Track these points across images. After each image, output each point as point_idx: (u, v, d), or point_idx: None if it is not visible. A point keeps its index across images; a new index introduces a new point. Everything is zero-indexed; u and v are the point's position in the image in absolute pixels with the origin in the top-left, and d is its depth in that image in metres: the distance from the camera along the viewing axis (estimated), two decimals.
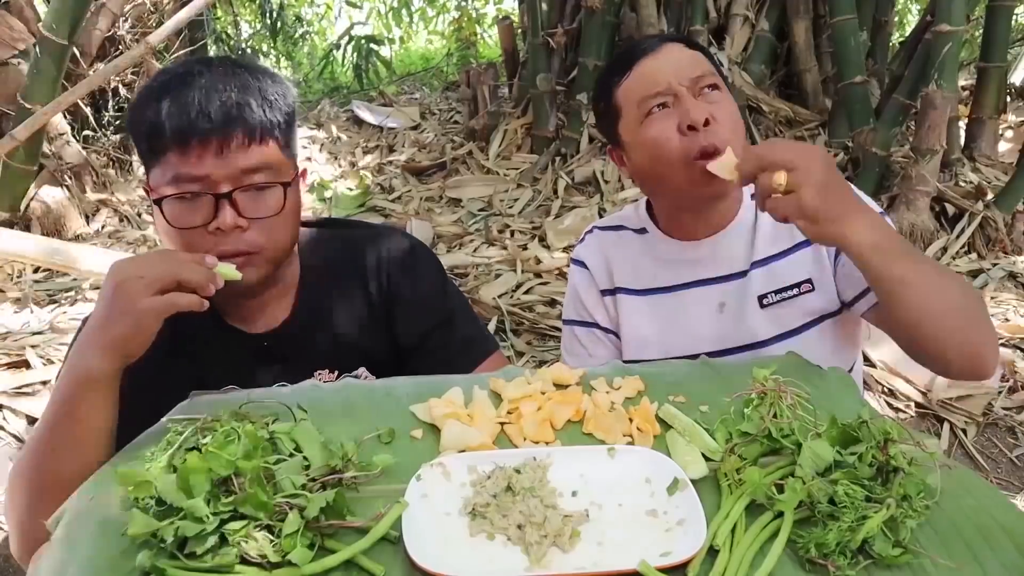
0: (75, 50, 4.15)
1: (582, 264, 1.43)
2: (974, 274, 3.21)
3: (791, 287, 1.28)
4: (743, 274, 1.30)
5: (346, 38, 7.65)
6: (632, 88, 1.24)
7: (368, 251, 1.26)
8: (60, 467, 0.96)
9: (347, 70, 7.79)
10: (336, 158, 5.38)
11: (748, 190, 1.32)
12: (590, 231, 1.46)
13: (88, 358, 0.94)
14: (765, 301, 1.29)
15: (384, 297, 1.25)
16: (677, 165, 1.19)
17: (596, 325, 1.41)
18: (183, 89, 1.04)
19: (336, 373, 1.22)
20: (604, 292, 1.41)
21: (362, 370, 1.23)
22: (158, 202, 1.05)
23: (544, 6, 4.72)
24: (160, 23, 4.47)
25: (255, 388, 1.01)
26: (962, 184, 3.61)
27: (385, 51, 7.94)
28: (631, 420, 0.94)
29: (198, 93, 1.03)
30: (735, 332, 1.30)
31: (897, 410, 2.50)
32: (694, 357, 1.12)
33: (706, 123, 1.17)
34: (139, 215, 4.54)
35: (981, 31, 4.04)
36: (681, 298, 1.34)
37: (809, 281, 1.27)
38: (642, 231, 1.39)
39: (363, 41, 7.49)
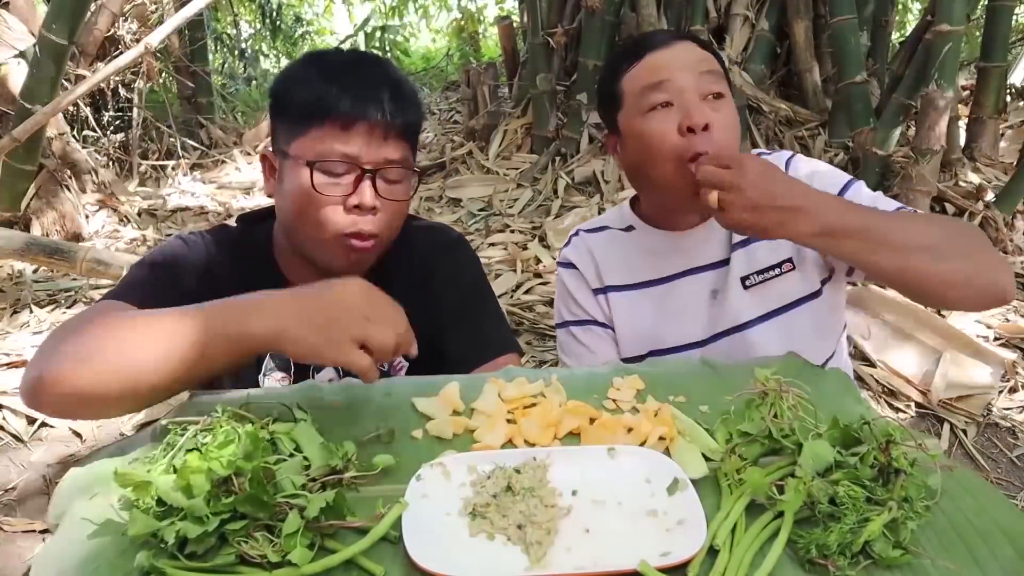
0: (75, 50, 4.16)
1: (570, 265, 1.43)
2: None
3: (772, 267, 1.29)
4: (726, 261, 1.32)
5: (360, 34, 7.68)
6: (638, 77, 1.25)
7: (416, 238, 1.30)
8: (134, 366, 0.90)
9: None
10: None
11: None
12: (575, 234, 1.47)
13: (257, 322, 0.89)
14: (748, 282, 1.30)
15: (424, 282, 1.29)
16: (670, 163, 1.20)
17: (593, 321, 1.41)
18: (353, 73, 1.13)
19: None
20: (595, 291, 1.41)
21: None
22: (310, 164, 1.10)
23: (544, 6, 4.72)
24: (160, 23, 4.47)
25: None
26: (962, 184, 3.61)
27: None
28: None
29: (367, 81, 1.13)
30: (723, 316, 1.31)
31: (897, 410, 2.50)
32: (690, 347, 1.12)
33: (705, 127, 1.17)
34: (139, 215, 4.54)
35: (981, 31, 4.04)
36: (673, 288, 1.35)
37: (790, 260, 1.29)
38: (629, 228, 1.40)
39: (380, 31, 7.53)
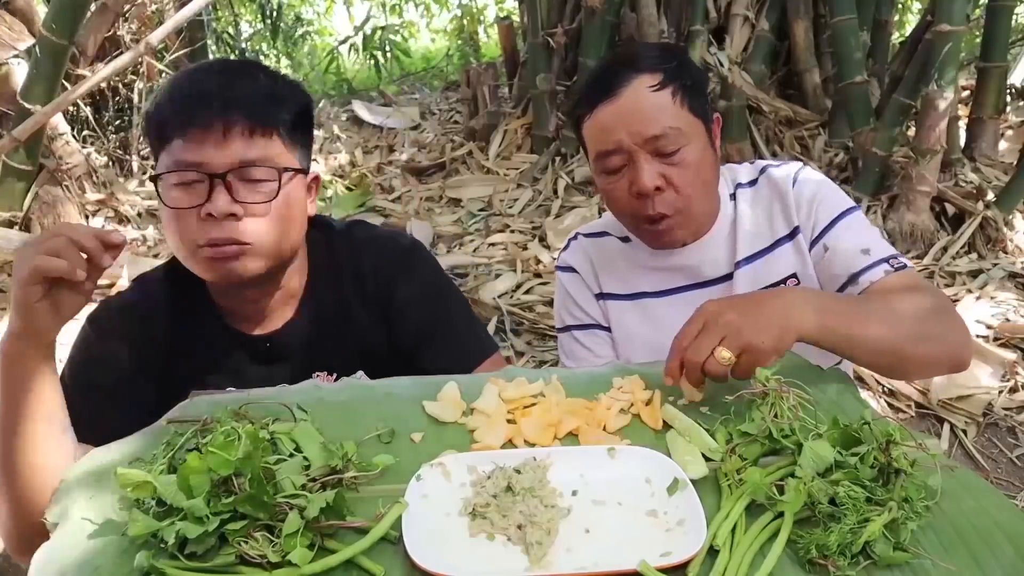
0: (75, 50, 4.15)
1: (570, 269, 1.43)
2: (974, 274, 3.21)
3: (776, 284, 1.29)
4: (728, 276, 1.31)
5: (360, 34, 7.68)
6: (590, 135, 1.24)
7: (366, 253, 1.26)
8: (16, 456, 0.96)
9: (355, 66, 7.81)
10: (336, 158, 5.37)
11: (727, 189, 1.34)
12: (574, 237, 1.46)
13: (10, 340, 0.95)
14: None
15: (382, 299, 1.25)
16: (628, 222, 1.25)
17: (596, 325, 1.41)
18: (190, 81, 1.08)
19: (335, 376, 1.22)
20: (596, 296, 1.41)
21: (360, 373, 1.23)
22: (155, 180, 1.07)
23: (544, 6, 4.72)
24: (160, 23, 4.47)
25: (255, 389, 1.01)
26: (962, 184, 3.60)
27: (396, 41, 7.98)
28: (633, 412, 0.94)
29: (204, 84, 1.07)
30: None
31: (897, 410, 2.50)
32: None
33: (658, 189, 1.17)
34: (139, 215, 4.54)
35: (981, 31, 4.03)
36: (669, 303, 1.34)
37: (794, 275, 1.29)
38: (625, 239, 1.39)
39: (381, 31, 7.53)
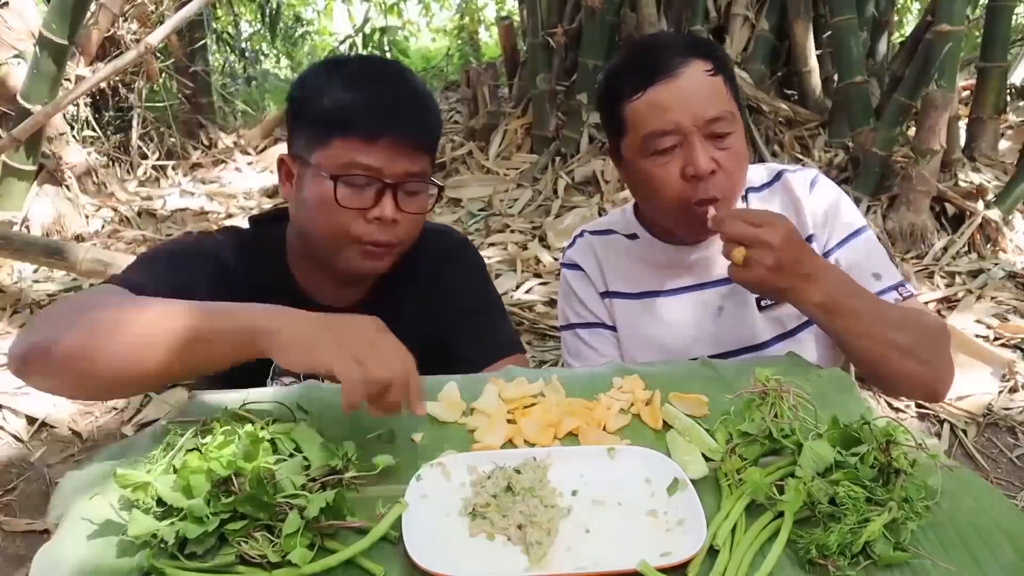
0: (75, 50, 4.15)
1: (576, 267, 1.42)
2: (974, 274, 3.21)
3: None
4: None
5: (360, 35, 7.68)
6: (642, 115, 1.19)
7: (420, 242, 1.28)
8: (131, 357, 0.89)
9: None
10: None
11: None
12: (580, 235, 1.45)
13: (264, 320, 0.88)
14: (764, 303, 1.29)
15: (428, 283, 1.30)
16: (674, 206, 1.21)
17: (601, 324, 1.40)
18: (377, 85, 1.14)
19: None
20: (601, 295, 1.40)
21: None
22: (335, 178, 1.10)
23: (544, 6, 4.72)
24: (160, 23, 4.47)
25: None
26: (962, 184, 3.60)
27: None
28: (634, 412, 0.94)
29: (396, 93, 1.14)
30: (734, 334, 1.30)
31: (897, 410, 2.50)
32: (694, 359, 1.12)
33: (712, 173, 1.16)
34: (139, 215, 4.54)
35: (981, 31, 4.03)
36: (677, 301, 1.34)
37: None
38: (633, 236, 1.38)
39: (381, 31, 7.53)
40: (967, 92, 4.36)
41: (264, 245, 1.26)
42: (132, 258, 3.42)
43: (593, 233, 1.43)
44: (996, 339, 2.77)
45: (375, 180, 1.12)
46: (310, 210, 1.14)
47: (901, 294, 1.24)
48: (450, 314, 1.29)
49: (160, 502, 0.74)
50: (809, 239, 1.28)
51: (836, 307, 1.08)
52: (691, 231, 1.28)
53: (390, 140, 1.11)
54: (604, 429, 0.93)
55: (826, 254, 1.27)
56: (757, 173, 1.35)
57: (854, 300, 1.10)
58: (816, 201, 1.29)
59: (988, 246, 3.35)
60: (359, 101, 1.11)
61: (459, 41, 8.30)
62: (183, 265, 1.17)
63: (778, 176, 1.33)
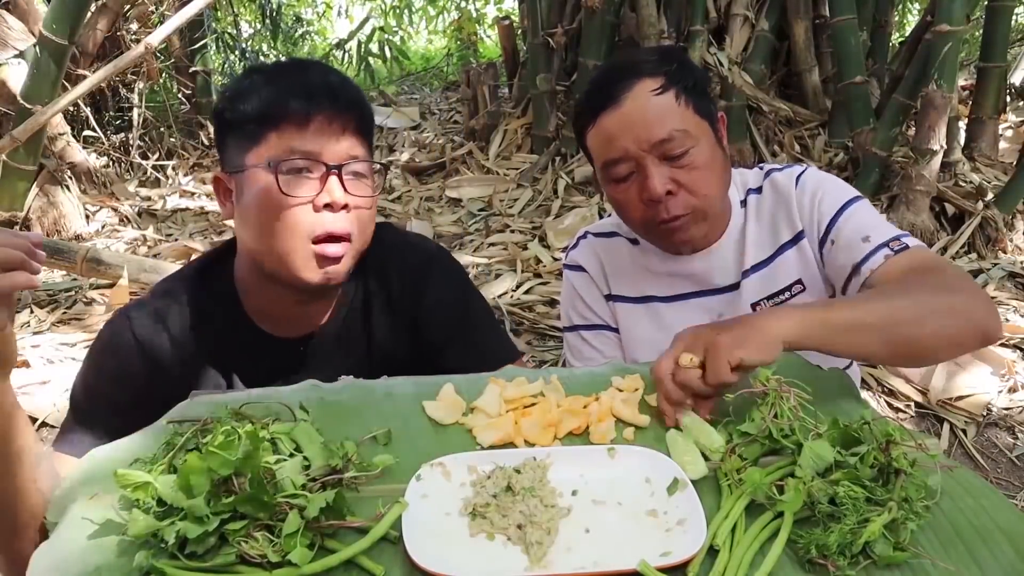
0: (75, 50, 4.15)
1: (579, 268, 1.41)
2: (974, 274, 3.21)
3: (783, 291, 1.28)
4: (736, 286, 1.30)
5: (362, 33, 7.68)
6: (595, 145, 1.22)
7: (393, 257, 1.25)
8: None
9: (352, 66, 7.81)
10: None
11: (738, 195, 1.33)
12: (583, 236, 1.44)
13: None
14: (759, 308, 1.28)
15: (408, 304, 1.24)
16: (642, 229, 1.23)
17: (605, 326, 1.39)
18: (300, 74, 1.10)
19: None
20: (605, 297, 1.40)
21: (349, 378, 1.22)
22: (273, 165, 1.05)
23: (544, 6, 4.72)
24: (160, 23, 4.47)
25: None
26: (962, 184, 3.60)
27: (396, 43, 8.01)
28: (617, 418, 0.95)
29: (321, 78, 1.09)
30: None
31: (897, 410, 2.50)
32: None
33: (669, 193, 1.16)
34: (139, 215, 4.54)
35: (981, 31, 4.03)
36: (676, 308, 1.34)
37: (800, 281, 1.28)
38: (635, 241, 1.38)
39: (380, 31, 7.53)
40: (967, 92, 4.37)
41: (211, 283, 1.18)
42: (132, 258, 3.43)
43: (596, 235, 1.42)
44: None
45: (316, 163, 1.06)
46: (255, 215, 1.08)
47: (893, 248, 1.15)
48: (437, 333, 1.24)
49: (160, 502, 0.74)
50: (799, 235, 1.27)
51: (819, 333, 0.97)
52: (668, 247, 1.29)
53: (322, 121, 1.06)
54: (617, 420, 0.94)
55: (822, 241, 1.25)
56: (752, 176, 1.35)
57: (829, 312, 1.00)
58: (801, 193, 1.27)
59: (988, 246, 3.35)
60: (284, 91, 1.07)
61: (457, 42, 8.30)
62: (109, 368, 1.13)
63: (767, 176, 1.33)
